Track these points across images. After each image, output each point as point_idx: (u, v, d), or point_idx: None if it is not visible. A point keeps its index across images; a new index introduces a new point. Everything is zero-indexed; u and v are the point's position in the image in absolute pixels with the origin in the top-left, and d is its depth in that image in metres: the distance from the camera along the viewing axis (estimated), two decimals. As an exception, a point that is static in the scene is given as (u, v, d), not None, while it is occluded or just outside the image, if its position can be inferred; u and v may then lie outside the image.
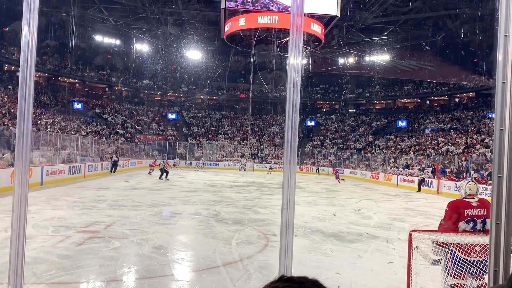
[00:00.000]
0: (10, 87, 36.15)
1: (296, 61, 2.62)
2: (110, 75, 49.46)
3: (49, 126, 32.10)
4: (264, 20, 27.68)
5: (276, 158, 41.99)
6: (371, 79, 50.10)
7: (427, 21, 37.53)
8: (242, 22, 28.86)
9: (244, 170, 38.17)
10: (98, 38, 44.47)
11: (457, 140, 32.11)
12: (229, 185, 21.96)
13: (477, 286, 3.90)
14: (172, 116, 50.30)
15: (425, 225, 11.16)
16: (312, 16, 28.03)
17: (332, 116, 52.90)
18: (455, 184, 22.03)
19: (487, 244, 3.17)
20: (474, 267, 3.89)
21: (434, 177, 24.99)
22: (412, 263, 4.44)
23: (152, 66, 48.75)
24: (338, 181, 28.03)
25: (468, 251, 3.92)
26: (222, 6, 27.48)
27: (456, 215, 4.26)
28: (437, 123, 39.89)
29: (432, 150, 32.42)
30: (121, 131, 42.43)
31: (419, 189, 23.93)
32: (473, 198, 4.36)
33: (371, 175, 32.83)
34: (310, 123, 51.42)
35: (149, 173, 27.94)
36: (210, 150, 44.49)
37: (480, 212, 4.23)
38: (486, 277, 3.56)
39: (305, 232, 9.36)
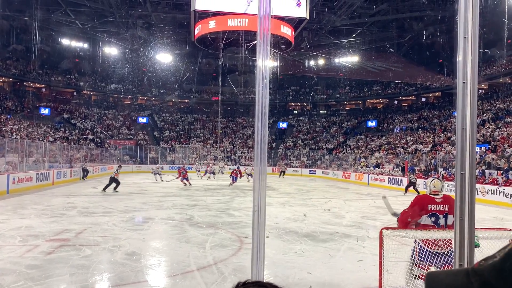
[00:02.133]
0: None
1: (264, 63, 2.64)
2: (78, 79, 48.30)
3: (14, 133, 31.11)
4: (234, 22, 27.67)
5: (249, 160, 41.98)
6: (341, 80, 50.87)
7: (393, 23, 38.47)
8: (212, 24, 28.76)
9: (222, 173, 37.68)
10: (65, 41, 43.42)
11: (425, 138, 32.95)
12: (203, 189, 21.84)
13: None
14: (142, 120, 49.55)
15: (396, 223, 11.38)
16: (281, 18, 28.22)
17: (301, 118, 53.36)
18: (424, 182, 22.60)
19: (450, 239, 3.34)
20: (438, 259, 4.11)
21: (403, 176, 25.58)
22: (383, 261, 4.53)
23: (121, 69, 47.94)
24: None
25: (432, 244, 4.14)
26: (192, 8, 27.33)
27: (418, 207, 4.51)
28: (405, 123, 40.84)
29: (401, 149, 33.16)
30: (90, 136, 41.54)
31: (417, 191, 20.35)
32: (438, 194, 4.58)
33: (343, 174, 33.31)
34: (282, 125, 51.72)
35: (186, 183, 22.92)
36: (182, 154, 44.09)
37: (443, 208, 4.45)
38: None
39: (279, 233, 9.40)
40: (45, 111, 41.82)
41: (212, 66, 49.32)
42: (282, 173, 36.05)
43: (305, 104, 55.61)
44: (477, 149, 24.12)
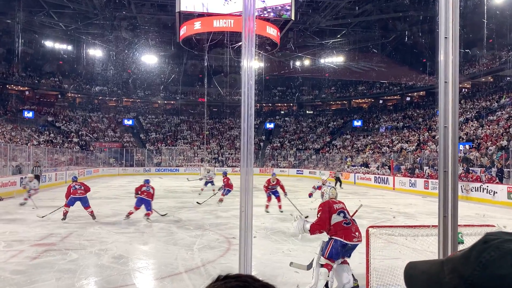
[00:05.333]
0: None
1: (250, 64, 2.65)
2: (62, 82, 47.69)
3: (-3, 137, 30.63)
4: (220, 23, 27.67)
5: (237, 161, 41.94)
6: (326, 80, 51.14)
7: (377, 23, 38.85)
8: (197, 25, 28.72)
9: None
10: (48, 44, 42.87)
11: (410, 137, 33.31)
12: (190, 191, 21.72)
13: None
14: (128, 122, 49.10)
15: (382, 221, 11.51)
16: (267, 19, 28.30)
17: (288, 118, 53.50)
18: (410, 180, 22.88)
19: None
20: (350, 249, 5.10)
21: (390, 174, 25.83)
22: (370, 259, 4.59)
23: (106, 71, 47.46)
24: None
25: (350, 237, 5.14)
26: (177, 9, 27.23)
27: (328, 211, 5.34)
28: (391, 122, 41.25)
29: (387, 148, 33.47)
30: (75, 139, 41.07)
31: None
32: (335, 199, 5.74)
33: (330, 174, 33.47)
34: (269, 125, 51.80)
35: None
36: (169, 156, 43.85)
37: (342, 206, 5.53)
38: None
39: (267, 233, 9.43)
40: (28, 114, 41.23)
41: (197, 67, 49.11)
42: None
43: (291, 104, 55.80)
44: (461, 147, 24.48)
